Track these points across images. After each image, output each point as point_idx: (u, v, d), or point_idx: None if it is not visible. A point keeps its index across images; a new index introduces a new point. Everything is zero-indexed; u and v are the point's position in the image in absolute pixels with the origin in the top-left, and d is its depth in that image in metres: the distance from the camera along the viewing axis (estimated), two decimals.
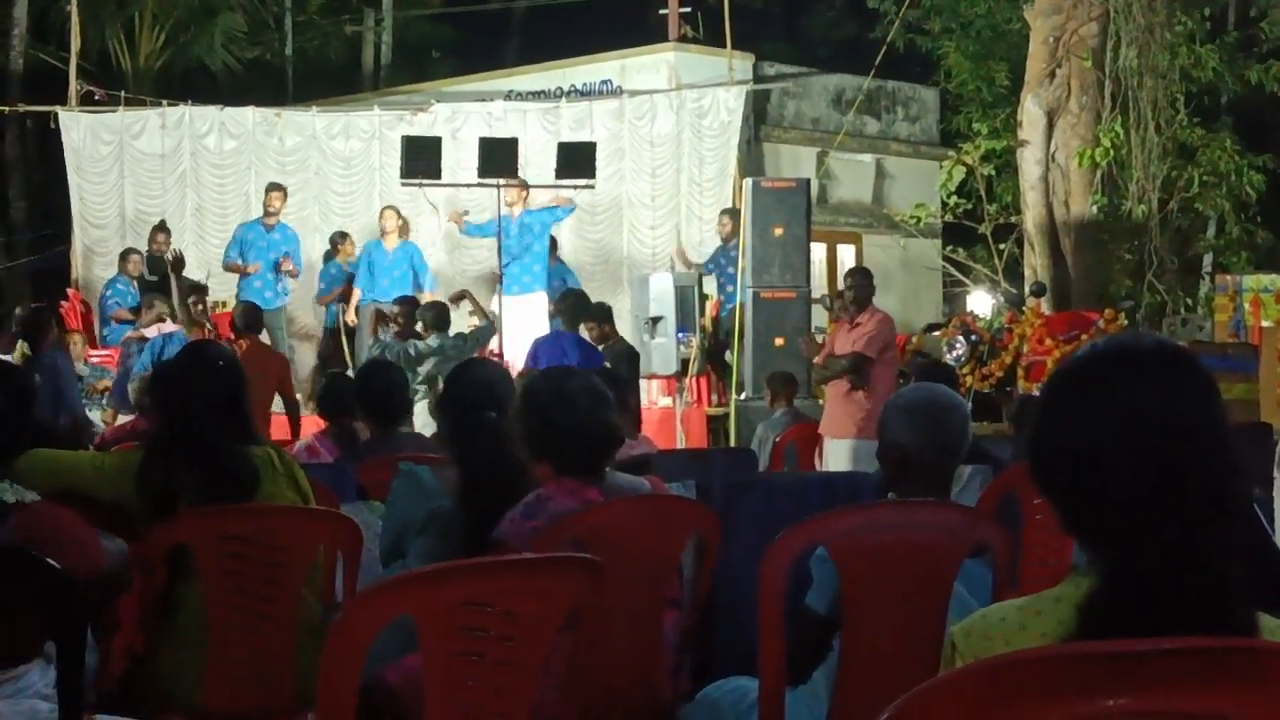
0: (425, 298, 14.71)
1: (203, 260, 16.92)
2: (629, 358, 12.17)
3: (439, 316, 12.86)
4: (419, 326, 12.83)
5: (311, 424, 10.60)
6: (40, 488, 3.84)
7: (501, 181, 15.13)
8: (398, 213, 15.96)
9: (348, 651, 2.86)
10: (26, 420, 3.60)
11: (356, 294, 15.76)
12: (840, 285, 13.53)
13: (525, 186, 15.44)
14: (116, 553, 3.48)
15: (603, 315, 12.69)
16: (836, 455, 10.34)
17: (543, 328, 13.74)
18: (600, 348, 12.26)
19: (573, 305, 12.53)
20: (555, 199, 15.73)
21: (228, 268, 16.11)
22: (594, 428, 4.22)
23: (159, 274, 15.95)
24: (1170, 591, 1.93)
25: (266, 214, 16.09)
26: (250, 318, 12.97)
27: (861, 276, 11.09)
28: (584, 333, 12.43)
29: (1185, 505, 1.99)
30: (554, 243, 16.09)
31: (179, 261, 14.46)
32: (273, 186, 16.28)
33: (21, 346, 11.36)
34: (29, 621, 3.09)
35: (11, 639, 3.11)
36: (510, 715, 3.18)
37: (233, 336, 12.73)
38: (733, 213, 15.60)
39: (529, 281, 15.12)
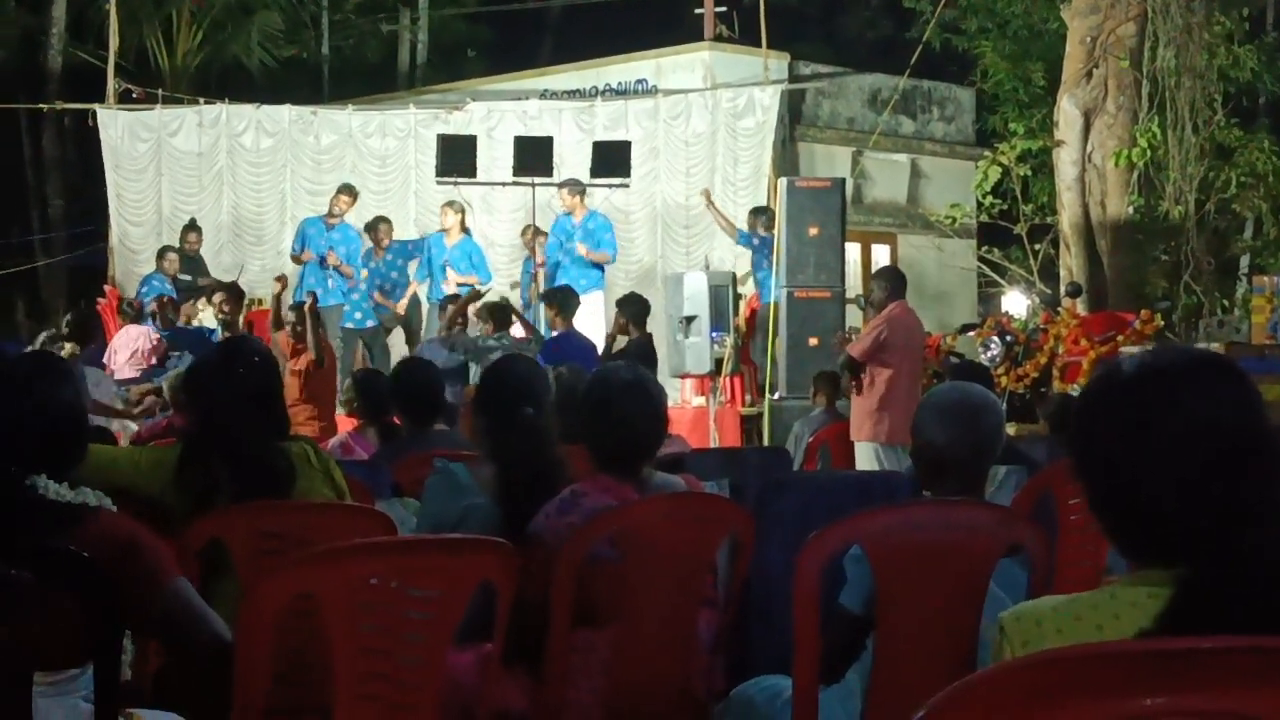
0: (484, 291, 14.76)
1: (237, 258, 16.98)
2: (641, 355, 12.14)
3: (502, 317, 12.90)
4: (485, 326, 12.82)
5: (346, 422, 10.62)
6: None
7: (538, 180, 15.16)
8: (454, 207, 15.80)
9: (257, 628, 3.21)
10: (85, 421, 3.62)
11: (414, 287, 15.74)
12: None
13: (581, 188, 15.44)
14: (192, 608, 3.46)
15: (624, 305, 12.75)
16: (860, 457, 10.42)
17: (600, 325, 13.85)
18: (620, 339, 12.46)
19: (561, 301, 12.65)
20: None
21: (293, 259, 16.05)
22: (637, 426, 4.23)
23: (192, 273, 16.04)
24: (1250, 599, 1.94)
25: (330, 213, 15.86)
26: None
27: (876, 280, 11.13)
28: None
29: (1251, 514, 2.01)
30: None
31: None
32: (344, 188, 16.02)
33: (71, 348, 11.40)
34: (80, 626, 3.11)
35: (65, 643, 3.13)
36: (420, 687, 3.32)
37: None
38: (759, 211, 15.52)
39: (587, 285, 15.12)
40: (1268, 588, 1.95)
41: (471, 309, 13.42)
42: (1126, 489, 2.09)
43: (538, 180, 15.32)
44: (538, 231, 15.65)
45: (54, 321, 12.48)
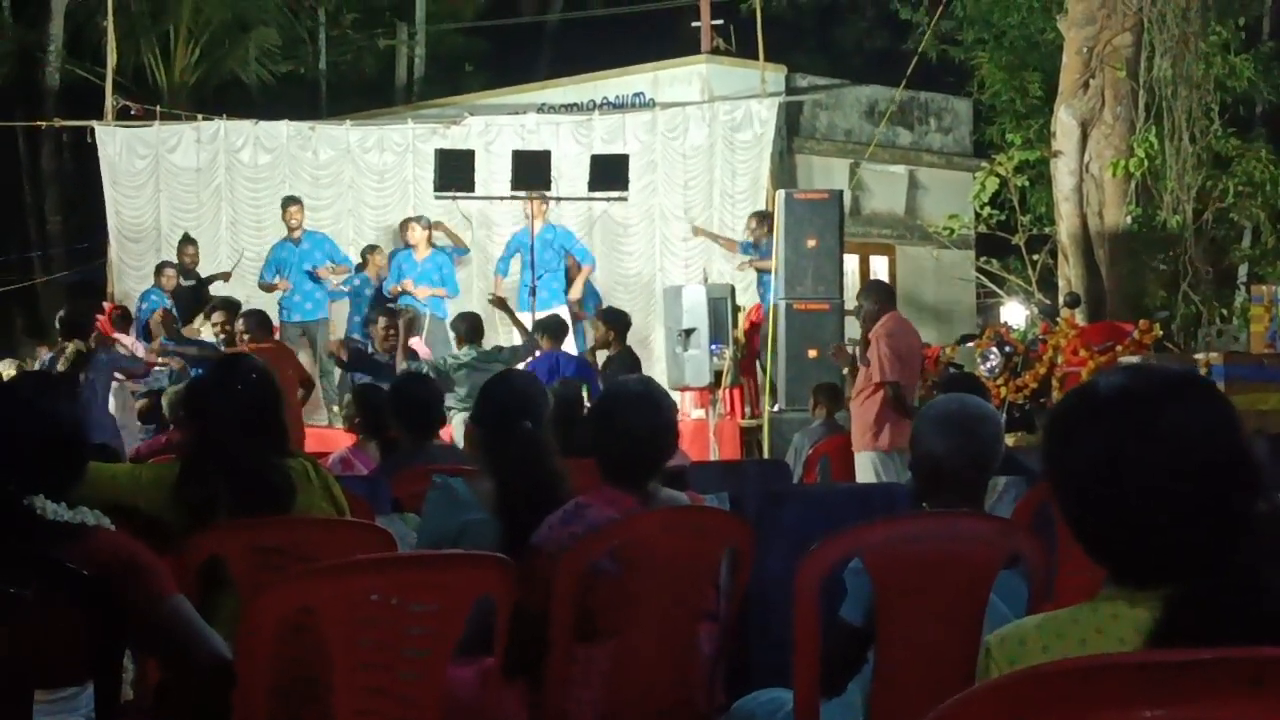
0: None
1: (238, 275, 16.98)
2: (628, 368, 12.16)
3: (472, 328, 12.79)
4: (452, 338, 12.80)
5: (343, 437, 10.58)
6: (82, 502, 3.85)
7: (529, 195, 15.19)
8: (420, 223, 15.95)
9: (257, 643, 3.23)
10: (86, 440, 3.62)
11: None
12: None
13: (545, 200, 15.52)
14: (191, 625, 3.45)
15: (610, 318, 12.81)
16: (860, 467, 10.39)
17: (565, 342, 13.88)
18: (602, 352, 12.71)
19: (551, 326, 12.76)
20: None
21: (262, 286, 16.13)
22: (642, 438, 4.23)
23: (188, 287, 16.09)
24: (1245, 610, 1.97)
25: (290, 230, 16.12)
26: (254, 321, 12.86)
27: (864, 295, 11.04)
28: (590, 330, 12.63)
29: (1241, 526, 2.04)
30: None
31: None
32: (289, 201, 16.26)
33: (76, 345, 11.32)
34: (80, 643, 3.11)
35: (65, 660, 3.13)
36: (420, 701, 3.33)
37: (247, 340, 12.59)
38: (761, 215, 15.52)
39: (547, 298, 15.12)
40: (1260, 598, 1.96)
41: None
42: (1113, 506, 2.09)
43: (535, 194, 15.34)
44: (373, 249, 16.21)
45: (52, 338, 12.56)
